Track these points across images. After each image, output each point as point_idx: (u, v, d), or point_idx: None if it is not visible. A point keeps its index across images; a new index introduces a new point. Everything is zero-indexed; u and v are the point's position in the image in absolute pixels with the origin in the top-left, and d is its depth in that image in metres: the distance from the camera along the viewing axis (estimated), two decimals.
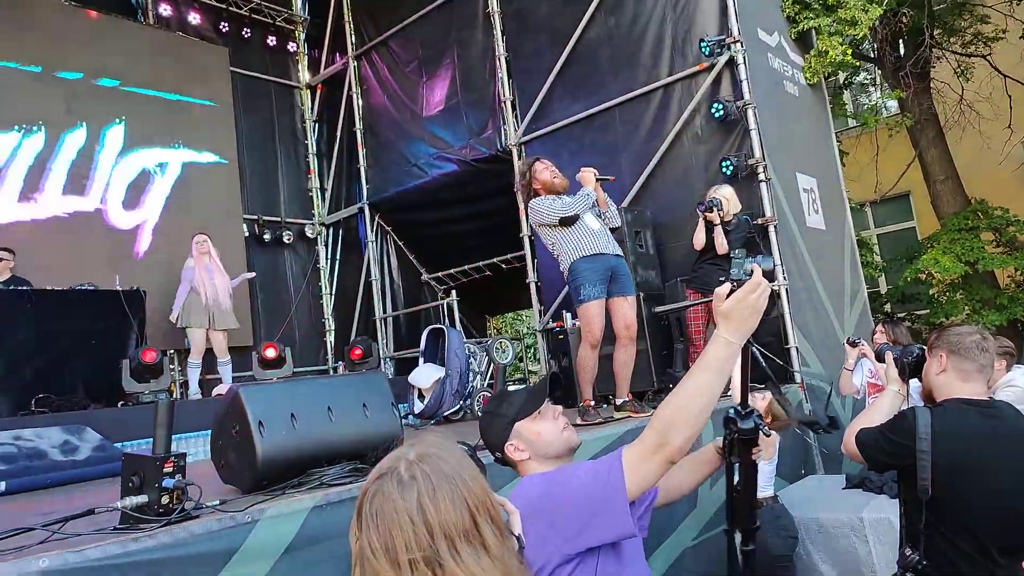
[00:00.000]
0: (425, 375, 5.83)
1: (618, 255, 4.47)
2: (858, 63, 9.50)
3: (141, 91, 8.29)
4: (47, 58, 7.60)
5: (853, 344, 4.42)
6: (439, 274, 9.28)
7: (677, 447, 1.43)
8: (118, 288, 6.38)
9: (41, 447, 4.50)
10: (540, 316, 7.18)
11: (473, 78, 7.95)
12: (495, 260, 8.55)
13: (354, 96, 9.43)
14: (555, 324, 6.41)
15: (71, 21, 7.90)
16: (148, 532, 2.15)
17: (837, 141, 7.72)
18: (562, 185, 4.57)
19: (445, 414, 5.70)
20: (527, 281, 7.34)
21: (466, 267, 8.93)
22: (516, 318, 13.25)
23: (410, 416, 5.73)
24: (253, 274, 7.82)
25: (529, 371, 9.43)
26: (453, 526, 1.06)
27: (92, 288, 6.34)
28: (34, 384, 5.51)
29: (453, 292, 8.08)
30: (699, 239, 5.36)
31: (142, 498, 2.29)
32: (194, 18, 9.17)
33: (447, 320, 7.96)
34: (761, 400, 3.33)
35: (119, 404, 5.79)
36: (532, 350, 10.76)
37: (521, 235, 7.36)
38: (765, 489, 3.51)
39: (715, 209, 5.22)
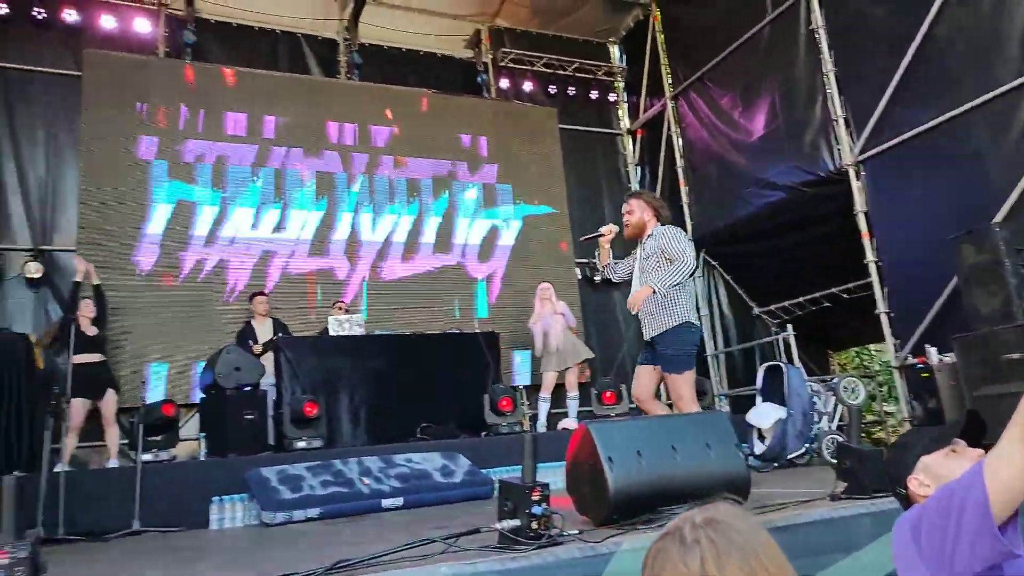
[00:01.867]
0: (765, 415, 5.59)
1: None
2: None
3: (488, 156, 9.49)
4: (415, 141, 9.12)
5: None
6: (772, 307, 8.86)
7: None
8: (478, 331, 7.32)
9: (426, 469, 5.32)
10: (896, 351, 6.41)
11: (795, 100, 7.56)
12: (834, 290, 7.89)
13: (673, 136, 9.60)
14: (917, 360, 5.67)
15: (432, 106, 9.39)
16: (523, 553, 2.42)
17: None
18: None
19: (789, 457, 5.40)
20: (876, 312, 6.63)
21: (801, 299, 8.38)
22: (864, 353, 11.94)
23: (751, 457, 5.53)
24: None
25: (885, 412, 8.42)
26: None
27: (458, 332, 7.37)
28: (418, 414, 6.54)
29: (789, 326, 7.64)
30: None
31: (516, 522, 2.59)
32: (527, 86, 10.23)
33: (784, 356, 7.54)
34: None
35: (482, 434, 6.57)
36: (887, 389, 9.59)
37: (865, 261, 6.70)
38: None
39: None
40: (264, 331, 6.97)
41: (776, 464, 5.38)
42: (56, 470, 4.92)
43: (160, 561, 3.33)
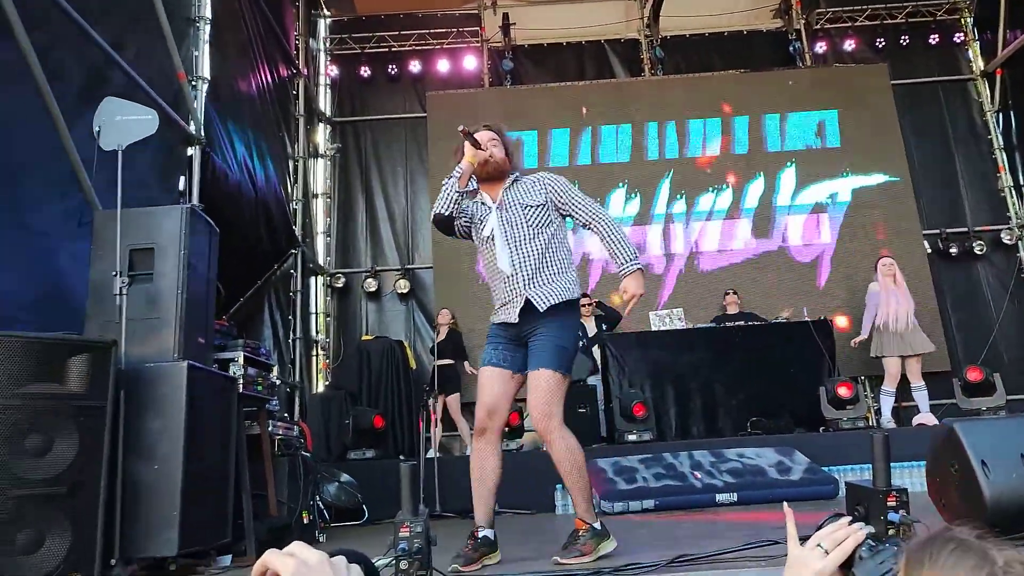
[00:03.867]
0: None
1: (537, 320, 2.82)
2: None
3: (810, 127, 8.79)
4: (726, 125, 8.83)
5: None
6: None
7: None
8: (807, 319, 6.82)
9: (760, 464, 5.13)
10: None
11: None
12: None
13: None
14: None
15: (742, 85, 9.00)
16: None
17: None
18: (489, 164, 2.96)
19: None
20: None
21: None
22: None
23: None
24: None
25: None
26: None
27: (786, 321, 6.96)
28: (748, 408, 6.33)
29: None
30: None
31: (869, 528, 2.38)
32: (849, 44, 9.26)
33: None
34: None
35: (820, 429, 6.12)
36: None
37: None
38: None
39: None
40: (591, 328, 7.35)
41: None
42: (429, 456, 5.79)
43: (521, 539, 3.73)
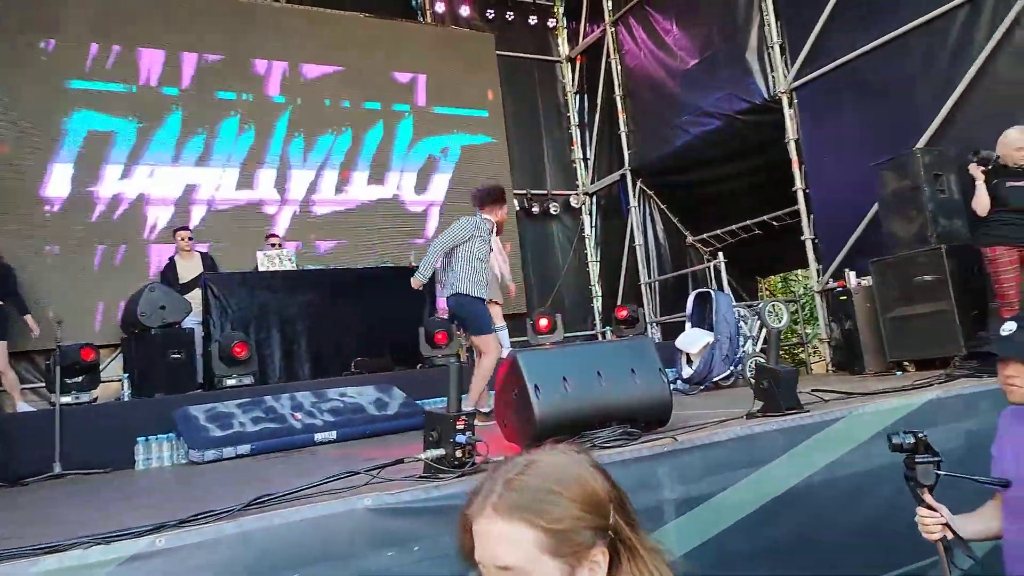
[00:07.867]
0: (693, 340, 5.73)
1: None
2: None
3: (424, 83, 9.17)
4: (347, 68, 8.73)
5: None
6: (705, 236, 8.99)
7: None
8: (412, 265, 7.19)
9: (360, 402, 5.29)
10: (819, 276, 6.62)
11: (732, 24, 7.48)
12: (764, 218, 8.04)
13: (613, 63, 9.44)
14: (837, 284, 5.87)
15: (366, 29, 8.97)
16: (446, 481, 2.42)
17: None
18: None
19: (715, 379, 5.57)
20: (802, 239, 6.80)
21: (734, 227, 8.53)
22: (791, 279, 12.37)
23: (678, 381, 5.69)
24: None
25: (806, 334, 8.74)
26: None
27: (392, 266, 7.24)
28: (353, 349, 6.47)
29: (720, 254, 7.79)
30: (981, 202, 4.54)
31: (440, 451, 2.59)
32: (464, 10, 9.85)
33: (714, 283, 7.71)
34: None
35: (417, 367, 6.56)
36: (809, 312, 10.00)
37: (794, 189, 6.83)
38: None
39: (987, 163, 4.45)
40: (190, 267, 6.72)
41: (703, 387, 5.56)
42: None
43: (76, 503, 3.25)
